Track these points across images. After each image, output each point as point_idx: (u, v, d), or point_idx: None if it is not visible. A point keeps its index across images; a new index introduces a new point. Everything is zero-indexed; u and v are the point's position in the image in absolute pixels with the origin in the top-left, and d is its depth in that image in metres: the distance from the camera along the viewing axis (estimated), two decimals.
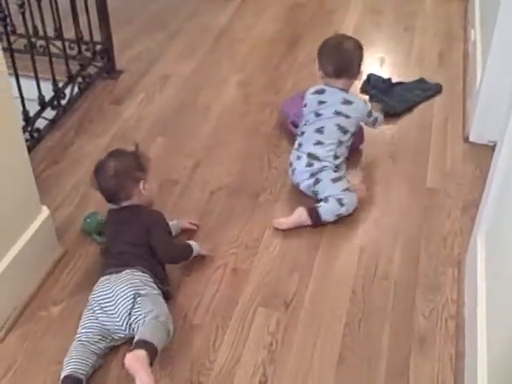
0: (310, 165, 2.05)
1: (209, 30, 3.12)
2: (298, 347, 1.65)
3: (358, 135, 2.24)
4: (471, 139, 2.37)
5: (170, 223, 1.89)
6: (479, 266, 1.65)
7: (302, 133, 2.11)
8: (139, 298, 1.60)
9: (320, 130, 2.06)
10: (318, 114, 2.08)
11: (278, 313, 1.74)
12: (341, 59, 2.08)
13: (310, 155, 2.05)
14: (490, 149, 2.10)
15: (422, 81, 2.68)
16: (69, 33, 2.56)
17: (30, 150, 1.80)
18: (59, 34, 2.49)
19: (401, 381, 1.58)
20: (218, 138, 2.40)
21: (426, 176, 2.21)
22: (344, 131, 2.07)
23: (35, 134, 2.32)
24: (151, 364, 1.47)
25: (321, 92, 2.11)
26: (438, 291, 1.80)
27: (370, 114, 2.15)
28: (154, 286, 1.67)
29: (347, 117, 2.07)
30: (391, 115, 2.47)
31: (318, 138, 2.06)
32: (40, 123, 2.37)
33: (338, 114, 2.06)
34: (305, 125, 2.12)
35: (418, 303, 1.77)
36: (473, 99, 2.43)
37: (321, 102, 2.09)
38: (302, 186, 2.08)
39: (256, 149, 2.33)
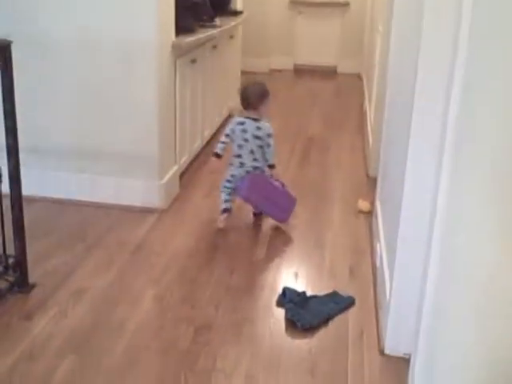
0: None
1: (126, 243, 3.15)
2: None
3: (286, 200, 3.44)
4: (386, 352, 2.38)
5: None
6: None
7: (239, 155, 3.32)
8: None
9: (252, 151, 3.30)
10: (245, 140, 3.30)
11: None
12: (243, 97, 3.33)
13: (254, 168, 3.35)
14: (406, 361, 2.12)
15: (335, 294, 2.75)
16: None
17: None
18: None
19: None
20: (130, 357, 2.29)
21: None
22: (261, 149, 3.33)
23: None
24: None
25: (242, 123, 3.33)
26: None
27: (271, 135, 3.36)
28: None
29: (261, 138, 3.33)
30: (307, 329, 2.49)
31: (254, 157, 3.32)
32: None
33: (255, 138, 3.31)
34: (240, 148, 3.32)
35: None
36: (384, 311, 2.50)
37: (243, 131, 3.31)
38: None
39: (171, 367, 2.24)
